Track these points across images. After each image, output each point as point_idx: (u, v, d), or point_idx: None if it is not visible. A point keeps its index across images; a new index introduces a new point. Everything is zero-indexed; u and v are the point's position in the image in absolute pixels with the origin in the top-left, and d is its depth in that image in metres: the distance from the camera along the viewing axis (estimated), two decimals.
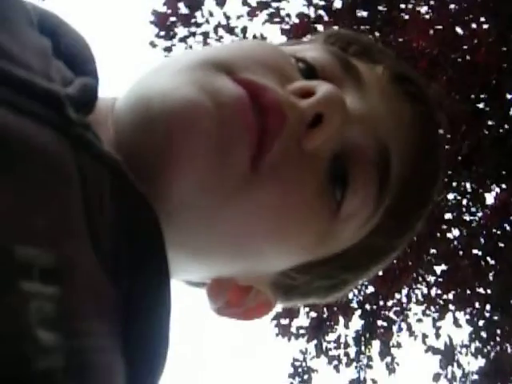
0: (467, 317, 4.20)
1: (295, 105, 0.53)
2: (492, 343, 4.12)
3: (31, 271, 0.36)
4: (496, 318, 3.94)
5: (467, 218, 3.92)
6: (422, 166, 0.62)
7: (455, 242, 3.99)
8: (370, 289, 4.74)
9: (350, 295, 4.68)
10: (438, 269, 4.17)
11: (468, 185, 3.85)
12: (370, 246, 0.62)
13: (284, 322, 4.92)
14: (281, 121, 0.52)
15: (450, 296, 4.22)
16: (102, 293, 0.41)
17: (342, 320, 4.83)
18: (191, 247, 0.55)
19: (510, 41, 3.28)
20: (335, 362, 5.04)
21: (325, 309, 4.76)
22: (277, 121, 0.52)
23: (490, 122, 3.57)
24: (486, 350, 4.15)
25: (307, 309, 4.78)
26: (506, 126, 3.57)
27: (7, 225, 0.36)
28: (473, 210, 3.88)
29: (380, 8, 3.91)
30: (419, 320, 4.69)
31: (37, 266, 0.36)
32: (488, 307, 4.03)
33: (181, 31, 4.50)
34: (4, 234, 0.35)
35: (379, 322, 4.81)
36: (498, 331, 4.04)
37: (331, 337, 4.95)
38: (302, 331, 4.94)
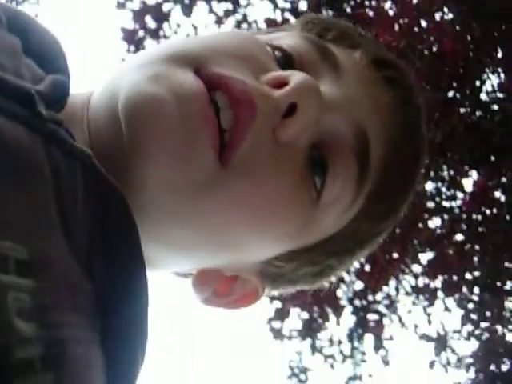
0: (456, 302, 4.25)
1: (267, 95, 0.52)
2: (483, 325, 4.17)
3: (7, 263, 0.36)
4: (485, 299, 3.99)
5: (447, 204, 3.97)
6: (404, 149, 0.62)
7: (438, 230, 4.04)
8: (359, 284, 4.76)
9: (340, 292, 4.71)
10: (424, 258, 4.22)
11: (445, 172, 3.91)
12: (354, 231, 0.62)
13: (276, 325, 4.93)
14: (250, 111, 0.51)
15: (438, 283, 4.27)
16: (78, 286, 0.41)
17: (333, 318, 4.86)
18: (170, 242, 0.55)
19: (474, 29, 3.34)
20: (330, 360, 5.07)
21: (315, 308, 4.78)
22: (246, 112, 0.51)
23: (462, 110, 3.63)
24: (477, 333, 4.20)
25: (298, 309, 4.80)
26: (478, 112, 3.63)
27: None
28: (452, 196, 3.94)
29: (345, 6, 3.97)
30: (409, 311, 4.74)
31: (12, 258, 0.37)
32: (476, 290, 4.08)
33: (150, 44, 4.52)
34: None
35: (370, 317, 4.84)
36: (488, 313, 4.09)
37: (324, 335, 4.99)
38: (294, 333, 4.96)
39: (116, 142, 0.51)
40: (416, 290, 4.54)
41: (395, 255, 4.32)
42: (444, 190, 3.97)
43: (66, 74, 0.53)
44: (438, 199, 3.99)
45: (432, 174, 3.92)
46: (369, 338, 4.92)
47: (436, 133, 3.26)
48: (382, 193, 0.61)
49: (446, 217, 3.97)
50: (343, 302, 4.81)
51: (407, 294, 4.64)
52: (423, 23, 3.67)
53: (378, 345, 4.87)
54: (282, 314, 4.84)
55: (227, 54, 0.54)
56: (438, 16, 3.69)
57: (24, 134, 0.43)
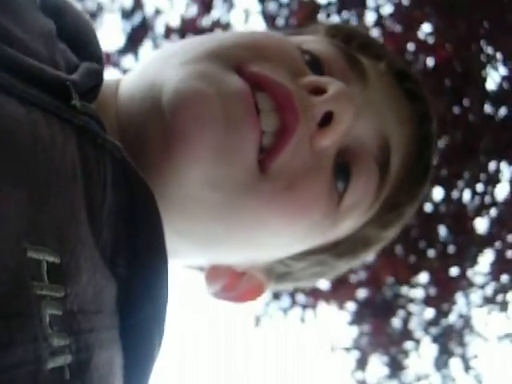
0: None
1: (307, 101, 0.52)
2: None
3: (40, 269, 0.35)
4: None
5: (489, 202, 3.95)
6: (419, 161, 0.64)
7: (487, 231, 4.00)
8: (429, 312, 4.67)
9: (412, 325, 4.62)
10: (483, 263, 4.16)
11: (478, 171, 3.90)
12: (364, 235, 0.64)
13: (359, 376, 4.81)
14: (295, 118, 0.51)
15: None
16: (102, 286, 0.40)
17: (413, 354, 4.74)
18: (195, 236, 0.55)
19: (458, 25, 3.40)
20: None
21: (393, 348, 4.68)
22: (291, 118, 0.51)
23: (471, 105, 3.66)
24: None
25: (377, 355, 4.70)
26: (488, 105, 3.67)
27: (18, 224, 0.35)
28: (491, 192, 3.92)
29: None
30: (486, 323, 4.62)
31: (44, 262, 0.35)
32: None
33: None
34: (15, 235, 0.34)
35: (450, 341, 4.72)
36: None
37: (410, 373, 4.84)
38: (381, 379, 4.83)
39: (150, 134, 0.51)
40: (486, 300, 4.44)
41: (455, 270, 4.28)
42: (481, 188, 3.95)
43: (100, 62, 0.51)
44: (479, 200, 3.97)
45: (467, 176, 3.93)
46: (455, 362, 4.78)
47: (455, 134, 3.30)
48: (395, 201, 0.63)
49: (491, 215, 3.94)
50: (419, 334, 4.72)
51: (479, 306, 4.54)
52: (411, 47, 3.75)
53: (467, 366, 4.72)
54: (362, 364, 4.74)
55: (267, 54, 0.54)
56: (421, 34, 3.77)
57: (58, 129, 0.41)
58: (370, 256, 0.70)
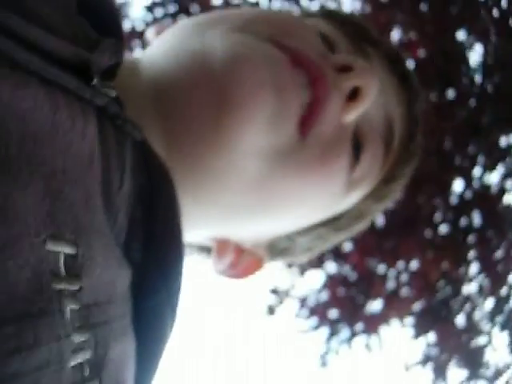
0: None
1: (337, 77, 0.56)
2: None
3: (58, 261, 0.34)
4: None
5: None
6: (412, 139, 0.68)
7: None
8: (489, 302, 4.58)
9: (478, 319, 4.53)
10: None
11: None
12: (360, 209, 0.68)
13: None
14: (327, 91, 0.55)
15: None
16: (117, 275, 0.40)
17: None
18: (224, 208, 0.57)
19: (424, 15, 3.42)
20: None
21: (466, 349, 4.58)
22: (324, 91, 0.54)
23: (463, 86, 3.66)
24: None
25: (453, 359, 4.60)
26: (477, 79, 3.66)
27: (36, 216, 0.33)
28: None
29: None
30: None
31: (62, 254, 0.34)
32: None
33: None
34: (34, 227, 0.32)
35: None
36: None
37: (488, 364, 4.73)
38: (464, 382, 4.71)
39: (197, 103, 0.51)
40: None
41: (499, 253, 4.22)
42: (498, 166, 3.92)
43: (120, 38, 0.50)
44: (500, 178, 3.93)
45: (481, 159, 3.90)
46: None
47: (456, 119, 3.29)
48: (391, 176, 0.67)
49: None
50: (487, 327, 4.61)
51: None
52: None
53: None
54: (440, 373, 4.63)
55: (294, 33, 0.58)
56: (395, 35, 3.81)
57: (79, 111, 0.39)
58: (361, 229, 0.73)
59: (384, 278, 4.17)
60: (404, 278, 4.30)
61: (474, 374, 4.62)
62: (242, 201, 0.56)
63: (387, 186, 0.68)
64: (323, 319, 4.29)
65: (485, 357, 4.61)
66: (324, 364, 4.61)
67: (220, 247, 0.66)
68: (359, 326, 4.44)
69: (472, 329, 4.52)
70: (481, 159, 4.17)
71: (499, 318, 4.58)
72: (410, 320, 4.45)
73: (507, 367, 4.66)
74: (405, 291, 4.29)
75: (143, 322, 0.42)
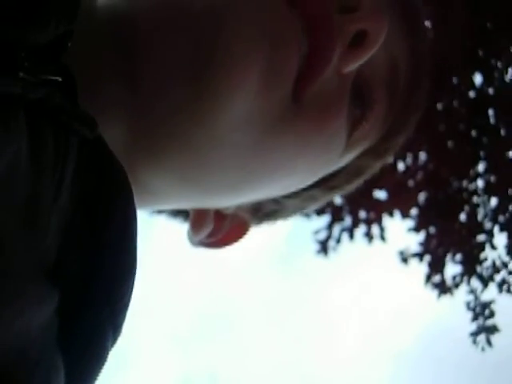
0: None
1: (342, 20, 0.48)
2: None
3: None
4: None
5: None
6: (416, 89, 0.59)
7: None
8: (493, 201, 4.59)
9: (481, 217, 4.54)
10: None
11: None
12: (357, 166, 0.60)
13: (437, 278, 4.77)
14: (332, 43, 0.46)
15: None
16: (34, 314, 0.35)
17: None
18: (209, 184, 0.51)
19: None
20: (505, 287, 4.85)
21: (465, 245, 4.62)
22: (328, 43, 0.46)
23: None
24: None
25: (449, 255, 4.65)
26: None
27: None
28: None
29: None
30: None
31: None
32: None
33: None
34: None
35: None
36: None
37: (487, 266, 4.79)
38: (457, 278, 4.79)
39: (179, 62, 0.44)
40: None
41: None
42: None
43: None
44: None
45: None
46: None
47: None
48: (392, 131, 0.59)
49: None
50: (489, 225, 4.63)
51: None
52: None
53: None
54: (436, 267, 4.69)
55: None
56: None
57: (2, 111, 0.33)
58: (359, 184, 0.65)
59: (393, 168, 4.14)
60: (413, 170, 4.29)
61: (469, 270, 4.68)
62: (227, 178, 0.49)
63: (389, 140, 0.60)
64: (327, 205, 4.29)
65: (483, 254, 4.66)
66: (322, 251, 4.65)
67: (198, 216, 0.58)
68: (362, 214, 4.45)
69: (474, 226, 4.54)
70: (505, 56, 4.05)
71: (501, 218, 4.60)
72: (413, 212, 4.46)
73: (504, 266, 4.72)
74: (412, 183, 4.28)
75: (80, 340, 0.38)
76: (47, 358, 0.35)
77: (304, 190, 0.58)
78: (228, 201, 0.56)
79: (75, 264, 0.37)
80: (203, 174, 0.49)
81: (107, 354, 0.40)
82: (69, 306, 0.37)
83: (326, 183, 0.59)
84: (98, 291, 0.38)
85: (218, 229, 0.60)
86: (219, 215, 0.59)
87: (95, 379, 0.39)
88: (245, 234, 0.63)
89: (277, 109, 0.45)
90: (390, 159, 0.65)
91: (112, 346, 0.40)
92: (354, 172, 0.61)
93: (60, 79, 0.38)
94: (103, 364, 0.40)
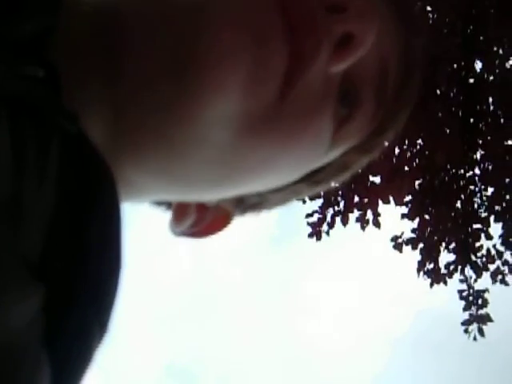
0: None
1: (326, 19, 0.47)
2: None
3: None
4: None
5: None
6: (406, 84, 0.58)
7: None
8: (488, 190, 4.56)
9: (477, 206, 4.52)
10: None
11: None
12: (344, 161, 0.59)
13: (430, 266, 4.75)
14: (317, 45, 0.46)
15: None
16: (18, 312, 0.35)
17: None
18: (191, 179, 0.51)
19: None
20: (499, 277, 4.84)
21: (461, 233, 4.59)
22: (313, 42, 0.46)
23: None
24: None
25: (444, 243, 4.63)
26: None
27: None
28: None
29: None
30: None
31: None
32: None
33: None
34: None
35: None
36: None
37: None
38: (451, 267, 4.77)
39: (159, 64, 0.44)
40: None
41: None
42: None
43: None
44: None
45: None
46: None
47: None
48: (381, 127, 0.58)
49: None
50: (484, 214, 4.61)
51: None
52: None
53: None
54: (430, 254, 4.67)
55: None
56: None
57: None
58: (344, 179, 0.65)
59: (389, 154, 4.11)
60: (409, 156, 4.26)
61: (463, 258, 4.66)
62: (208, 175, 0.50)
63: (378, 137, 0.59)
64: None
65: (478, 244, 4.64)
66: (315, 235, 4.62)
67: (180, 208, 0.59)
68: (356, 200, 4.43)
69: (469, 214, 4.51)
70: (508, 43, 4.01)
71: (497, 207, 4.57)
72: (407, 199, 4.43)
73: (499, 256, 4.70)
74: (408, 170, 4.26)
75: (66, 339, 0.38)
76: (32, 355, 0.35)
77: (287, 185, 0.58)
78: (210, 196, 0.56)
79: (60, 260, 0.37)
80: (184, 171, 0.49)
81: (94, 351, 0.40)
82: (55, 303, 0.37)
83: (311, 178, 0.59)
84: (84, 288, 0.38)
85: (200, 219, 0.60)
86: (201, 206, 0.60)
87: (82, 377, 0.39)
88: (227, 224, 0.63)
89: (261, 108, 0.46)
90: (378, 154, 0.64)
91: (99, 343, 0.40)
92: (340, 167, 0.61)
93: (42, 74, 0.38)
94: (90, 362, 0.40)
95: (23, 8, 0.38)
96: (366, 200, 4.38)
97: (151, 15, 0.44)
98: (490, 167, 4.42)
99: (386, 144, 0.63)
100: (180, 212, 0.59)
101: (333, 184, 0.64)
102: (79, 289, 0.38)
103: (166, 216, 0.61)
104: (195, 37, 0.43)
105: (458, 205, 4.52)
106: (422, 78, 0.60)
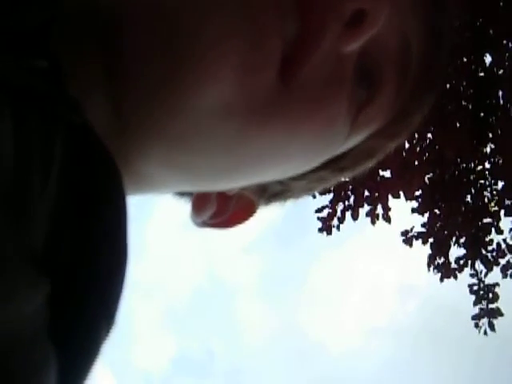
0: None
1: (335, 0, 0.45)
2: None
3: None
4: None
5: None
6: (432, 64, 0.55)
7: None
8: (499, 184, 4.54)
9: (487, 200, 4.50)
10: None
11: None
12: (369, 147, 0.57)
13: (440, 260, 4.74)
14: (322, 22, 0.44)
15: None
16: (24, 304, 0.34)
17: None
18: (200, 170, 0.50)
19: None
20: (510, 271, 4.82)
21: (471, 228, 4.58)
22: (317, 23, 0.44)
23: None
24: None
25: (454, 238, 4.62)
26: None
27: None
28: None
29: None
30: None
31: None
32: None
33: None
34: None
35: None
36: None
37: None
38: (461, 261, 4.76)
39: (137, 43, 0.43)
40: None
41: None
42: None
43: None
44: None
45: None
46: None
47: None
48: (406, 110, 0.56)
49: None
50: (495, 208, 4.59)
51: None
52: None
53: None
54: (440, 249, 4.66)
55: None
56: None
57: None
58: (371, 165, 0.62)
59: (399, 148, 4.10)
60: (420, 150, 4.25)
61: (474, 253, 4.65)
62: (214, 164, 0.48)
63: (402, 121, 0.57)
64: None
65: (488, 238, 4.62)
66: (325, 230, 4.62)
67: (199, 198, 0.58)
68: (366, 194, 4.42)
69: (479, 209, 4.50)
70: None
71: (508, 201, 4.55)
72: (418, 193, 4.42)
73: (510, 250, 4.68)
74: (418, 164, 4.25)
75: (74, 334, 0.37)
76: (39, 350, 0.35)
77: (311, 171, 0.56)
78: (223, 185, 0.55)
79: (66, 254, 0.37)
80: (189, 161, 0.48)
81: (101, 345, 0.39)
82: (61, 297, 0.36)
83: (335, 164, 0.57)
84: (91, 283, 0.38)
85: (223, 209, 0.59)
86: (223, 196, 0.58)
87: (90, 372, 0.39)
88: (252, 214, 0.61)
89: (261, 95, 0.44)
90: (405, 139, 0.62)
91: (106, 337, 0.39)
92: (365, 153, 0.58)
93: (45, 65, 0.37)
94: (97, 356, 0.39)
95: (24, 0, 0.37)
96: (376, 194, 4.38)
97: (143, 6, 0.43)
98: (501, 161, 4.40)
99: (414, 128, 0.61)
100: (200, 202, 0.58)
101: (359, 170, 0.62)
102: (86, 282, 0.38)
103: (187, 207, 0.60)
104: (185, 25, 0.42)
105: (468, 199, 4.50)
106: (449, 60, 0.57)
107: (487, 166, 4.47)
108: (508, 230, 4.65)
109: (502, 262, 4.73)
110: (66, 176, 0.37)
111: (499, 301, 4.70)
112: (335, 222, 4.57)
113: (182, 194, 0.60)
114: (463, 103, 4.20)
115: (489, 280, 4.73)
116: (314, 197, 4.39)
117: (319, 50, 0.45)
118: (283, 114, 0.45)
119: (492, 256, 4.68)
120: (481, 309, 4.72)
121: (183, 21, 0.42)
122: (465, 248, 4.66)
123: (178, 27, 0.42)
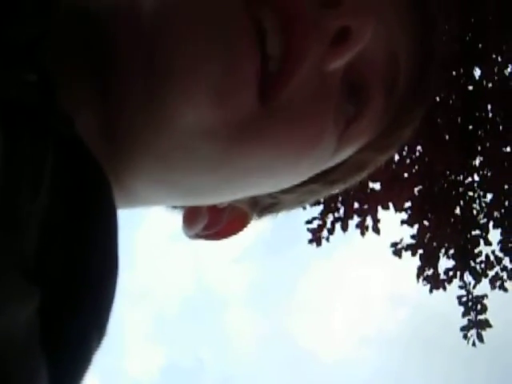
0: None
1: (318, 15, 0.45)
2: None
3: None
4: None
5: None
6: (422, 78, 0.56)
7: None
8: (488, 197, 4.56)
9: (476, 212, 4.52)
10: None
11: None
12: (359, 160, 0.58)
13: (429, 272, 4.75)
14: (305, 43, 0.44)
15: None
16: (14, 316, 0.34)
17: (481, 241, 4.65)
18: (185, 187, 0.50)
19: None
20: (498, 283, 4.84)
21: (459, 239, 4.60)
22: (300, 42, 0.44)
23: None
24: None
25: (443, 249, 4.63)
26: None
27: None
28: None
29: None
30: None
31: None
32: None
33: None
34: None
35: None
36: None
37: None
38: (451, 273, 4.77)
39: (121, 63, 0.43)
40: None
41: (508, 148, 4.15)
42: None
43: None
44: None
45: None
46: None
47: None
48: (396, 123, 0.56)
49: None
50: (483, 220, 4.61)
51: None
52: None
53: None
54: (429, 260, 4.67)
55: None
56: None
57: None
58: (362, 178, 0.63)
59: (388, 160, 4.12)
60: (409, 162, 4.27)
61: (463, 264, 4.66)
62: (200, 182, 0.49)
63: (392, 134, 0.57)
64: None
65: (477, 250, 4.64)
66: (314, 241, 4.62)
67: (189, 213, 0.58)
68: (355, 206, 4.43)
69: (468, 221, 4.51)
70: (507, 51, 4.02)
71: (496, 213, 4.57)
72: (407, 205, 4.43)
73: (498, 262, 4.69)
74: (407, 176, 4.26)
75: (66, 344, 0.37)
76: (31, 356, 0.35)
77: (300, 186, 0.57)
78: (212, 201, 0.55)
79: (57, 265, 0.37)
80: (176, 179, 0.48)
81: (92, 356, 0.39)
82: (52, 307, 0.36)
83: (325, 178, 0.58)
84: (82, 293, 0.38)
85: (215, 221, 0.59)
86: (215, 209, 0.58)
87: (81, 381, 0.39)
88: (246, 225, 0.62)
89: (241, 118, 0.44)
90: (395, 152, 0.63)
91: (97, 347, 0.40)
92: (355, 166, 0.59)
93: (35, 78, 0.38)
94: (88, 367, 0.39)
95: (17, 12, 0.37)
96: (365, 206, 4.39)
97: (125, 22, 0.44)
98: (489, 173, 4.42)
99: (404, 141, 0.61)
100: (191, 216, 0.58)
101: (350, 183, 0.62)
102: (80, 293, 0.38)
103: (179, 219, 0.60)
104: (160, 48, 0.42)
105: (458, 211, 4.52)
106: (438, 74, 0.59)
107: (476, 178, 4.49)
108: (496, 241, 4.67)
109: (491, 273, 4.74)
110: (57, 187, 0.37)
111: (488, 312, 4.71)
112: (325, 233, 4.58)
113: (174, 207, 0.61)
114: (452, 116, 4.22)
115: (477, 291, 4.74)
116: (304, 208, 4.41)
117: (301, 70, 0.45)
118: (266, 134, 0.45)
119: (481, 268, 4.69)
120: (469, 320, 4.72)
121: (162, 45, 0.42)
122: (454, 259, 4.67)
123: (157, 51, 0.42)
